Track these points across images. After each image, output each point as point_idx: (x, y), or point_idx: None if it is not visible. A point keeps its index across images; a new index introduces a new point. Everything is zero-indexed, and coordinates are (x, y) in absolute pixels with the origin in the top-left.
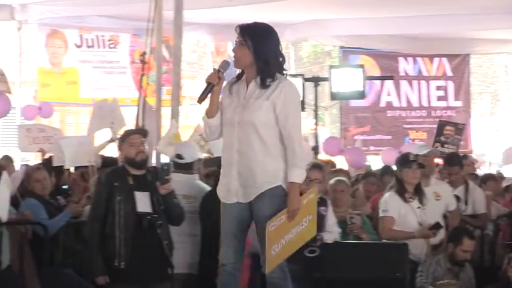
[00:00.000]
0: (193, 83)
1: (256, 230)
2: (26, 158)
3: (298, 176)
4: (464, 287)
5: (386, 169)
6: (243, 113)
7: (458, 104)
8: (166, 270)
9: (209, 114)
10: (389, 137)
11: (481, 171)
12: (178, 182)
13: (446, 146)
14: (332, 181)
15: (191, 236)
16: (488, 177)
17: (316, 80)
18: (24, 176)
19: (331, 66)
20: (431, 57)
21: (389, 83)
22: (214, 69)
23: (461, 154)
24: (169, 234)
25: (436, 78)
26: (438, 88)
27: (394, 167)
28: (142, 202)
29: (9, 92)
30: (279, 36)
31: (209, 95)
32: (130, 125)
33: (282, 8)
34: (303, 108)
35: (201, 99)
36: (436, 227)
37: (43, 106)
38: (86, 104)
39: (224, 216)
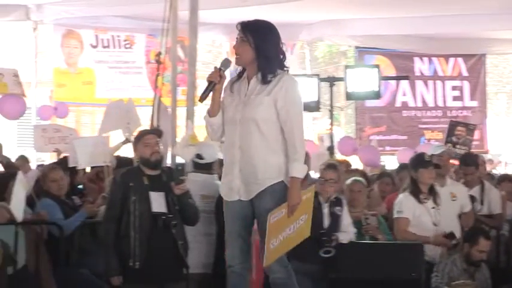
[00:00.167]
0: None
1: (257, 225)
2: (41, 158)
3: (299, 170)
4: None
5: (403, 166)
6: (244, 110)
7: (474, 104)
8: (181, 270)
9: (211, 113)
10: (404, 137)
11: (497, 172)
12: (196, 182)
13: (458, 146)
14: (349, 181)
15: (206, 235)
16: (504, 178)
17: (331, 80)
18: (40, 175)
19: (346, 66)
20: (446, 57)
21: (404, 83)
22: (215, 67)
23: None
24: (185, 235)
25: (451, 78)
26: (454, 88)
27: None
28: (157, 202)
29: (24, 95)
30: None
31: (211, 94)
32: (145, 125)
33: (297, 8)
34: (318, 109)
35: (202, 98)
36: (451, 236)
37: (59, 106)
38: (101, 104)
39: (227, 215)
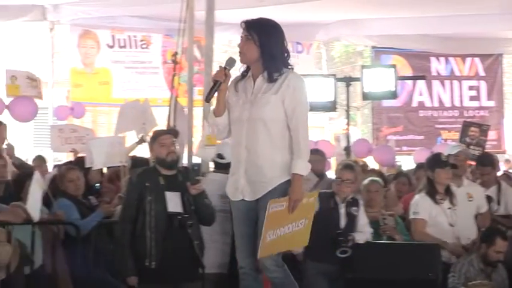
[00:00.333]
0: None
1: (259, 219)
2: (58, 158)
3: (302, 168)
4: None
5: (420, 166)
6: (252, 109)
7: (491, 104)
8: (197, 270)
9: (216, 113)
10: (421, 137)
11: None
12: (215, 182)
13: (471, 147)
14: (366, 181)
15: (223, 235)
16: None
17: (348, 80)
18: (57, 175)
19: (363, 66)
20: (463, 57)
21: (421, 83)
22: (220, 66)
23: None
24: (201, 234)
25: (468, 78)
26: (470, 88)
27: None
28: (173, 202)
29: (40, 98)
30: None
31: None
32: (162, 125)
33: (313, 8)
34: (334, 109)
35: (208, 98)
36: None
37: (75, 106)
38: (118, 104)
39: (234, 216)
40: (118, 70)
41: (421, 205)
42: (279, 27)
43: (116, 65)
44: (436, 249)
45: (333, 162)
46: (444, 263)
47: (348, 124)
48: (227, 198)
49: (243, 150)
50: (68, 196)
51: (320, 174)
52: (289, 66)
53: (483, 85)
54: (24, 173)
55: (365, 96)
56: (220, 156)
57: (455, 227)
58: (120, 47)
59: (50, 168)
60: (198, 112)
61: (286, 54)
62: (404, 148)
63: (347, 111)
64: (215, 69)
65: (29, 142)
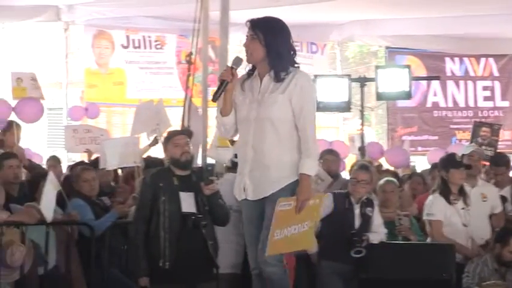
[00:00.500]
0: None
1: (264, 221)
2: (72, 159)
3: (310, 168)
4: None
5: (435, 166)
6: (259, 109)
7: (506, 104)
8: (211, 270)
9: (223, 112)
10: (435, 138)
11: None
12: (231, 182)
13: (483, 147)
14: (381, 181)
15: (237, 235)
16: None
17: (362, 81)
18: (70, 175)
19: (377, 67)
20: (477, 57)
21: (435, 83)
22: (227, 66)
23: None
24: (215, 235)
25: (482, 78)
26: (485, 88)
27: None
28: (187, 202)
29: (42, 98)
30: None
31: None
32: (176, 125)
33: (328, 8)
34: (348, 109)
35: (215, 98)
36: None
37: (90, 107)
38: (132, 104)
39: (243, 217)
40: (132, 70)
41: (435, 206)
42: (284, 25)
43: (130, 65)
44: (450, 250)
45: (348, 162)
46: (458, 263)
47: (362, 124)
48: None
49: (249, 150)
50: (82, 196)
51: (334, 175)
52: (296, 65)
53: (497, 85)
54: (39, 173)
55: (379, 97)
56: (236, 156)
57: (468, 227)
58: (135, 47)
59: (65, 169)
60: (212, 112)
61: (292, 53)
62: (419, 148)
63: (361, 111)
64: None
65: (43, 143)
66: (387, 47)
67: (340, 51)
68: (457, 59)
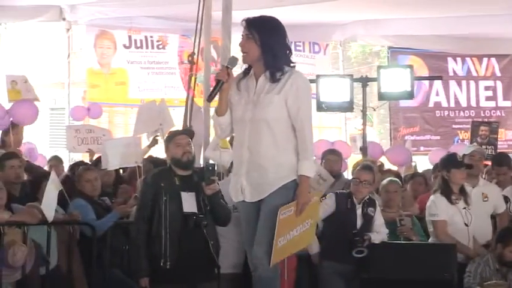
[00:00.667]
0: None
1: (259, 220)
2: (74, 159)
3: (308, 169)
4: None
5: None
6: (255, 110)
7: (508, 104)
8: (212, 270)
9: (219, 112)
10: (438, 137)
11: None
12: None
13: (483, 147)
14: (385, 181)
15: (239, 235)
16: None
17: (364, 81)
18: (74, 175)
19: (379, 67)
20: (480, 57)
21: (438, 83)
22: (222, 65)
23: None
24: (216, 235)
25: (484, 78)
26: (487, 88)
27: None
28: (188, 202)
29: (37, 99)
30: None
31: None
32: (178, 125)
33: (330, 8)
34: (351, 109)
35: (211, 98)
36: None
37: (92, 107)
38: (134, 104)
39: (241, 218)
40: (134, 70)
41: (438, 206)
42: (280, 24)
43: (132, 65)
44: (451, 250)
45: (350, 162)
46: (459, 263)
47: (364, 124)
48: None
49: (245, 151)
50: (84, 196)
51: (336, 175)
52: (292, 64)
53: (499, 85)
54: (41, 173)
55: (381, 97)
56: None
57: (470, 227)
58: (137, 47)
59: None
60: None
61: (288, 52)
62: (422, 148)
63: (363, 111)
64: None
65: (45, 142)
66: (389, 47)
67: (342, 51)
68: (459, 59)
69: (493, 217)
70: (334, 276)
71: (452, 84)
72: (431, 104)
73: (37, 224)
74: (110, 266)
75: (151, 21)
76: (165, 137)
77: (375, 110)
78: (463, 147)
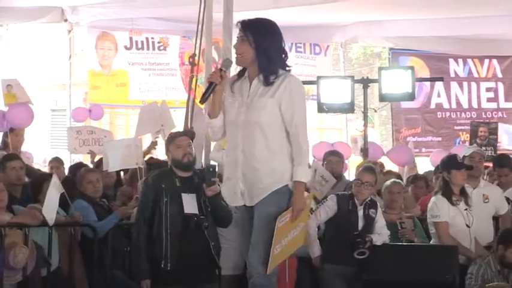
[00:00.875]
0: None
1: (253, 229)
2: (75, 160)
3: (304, 175)
4: None
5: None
6: (248, 113)
7: (509, 105)
8: (213, 272)
9: (211, 114)
10: (439, 139)
11: None
12: None
13: (483, 148)
14: (388, 182)
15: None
16: None
17: (365, 82)
18: (77, 177)
19: (380, 68)
20: (481, 58)
21: (439, 85)
22: (216, 67)
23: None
24: (217, 236)
25: (486, 79)
26: (488, 90)
27: None
28: (189, 204)
29: (30, 102)
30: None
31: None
32: (180, 127)
33: (331, 9)
34: (352, 110)
35: (203, 100)
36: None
37: (93, 108)
38: (135, 106)
39: (239, 223)
40: (135, 72)
41: (440, 207)
42: (276, 27)
43: (133, 66)
44: (453, 251)
45: (350, 163)
46: (461, 264)
47: (365, 126)
48: None
49: (239, 154)
50: (85, 198)
51: (338, 176)
52: (287, 68)
53: (501, 86)
54: (42, 175)
55: (382, 98)
56: None
57: (471, 228)
58: (138, 48)
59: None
60: None
61: (284, 56)
62: (423, 150)
63: (364, 112)
64: (233, 70)
65: (46, 144)
66: (391, 48)
67: (343, 53)
68: (460, 60)
69: (495, 218)
70: (335, 277)
71: (454, 85)
72: (432, 106)
73: (38, 226)
74: (111, 267)
75: (153, 23)
76: (158, 139)
77: (376, 111)
78: (464, 148)
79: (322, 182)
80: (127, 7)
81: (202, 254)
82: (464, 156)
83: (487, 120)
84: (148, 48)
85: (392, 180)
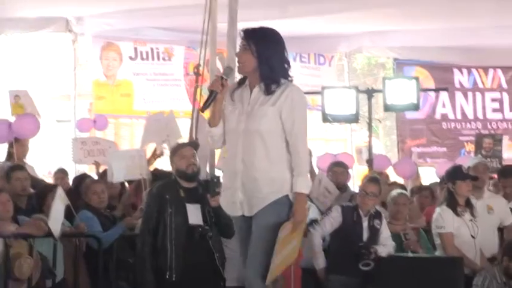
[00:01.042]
0: None
1: (251, 241)
2: (80, 171)
3: (304, 186)
4: None
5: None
6: (248, 121)
7: None
8: (218, 282)
9: (211, 123)
10: (444, 149)
11: None
12: None
13: (488, 159)
14: (394, 193)
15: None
16: None
17: (370, 92)
18: (82, 187)
19: (385, 78)
20: (486, 68)
21: (444, 95)
22: (216, 76)
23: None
24: (222, 247)
25: (491, 90)
26: (493, 100)
27: None
28: (194, 214)
29: (38, 114)
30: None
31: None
32: (185, 137)
33: (335, 20)
34: (356, 120)
35: (204, 108)
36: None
37: (98, 119)
38: (139, 116)
39: (238, 234)
40: (140, 82)
41: (445, 218)
42: (279, 36)
43: (138, 77)
44: (458, 263)
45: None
46: (466, 275)
47: (370, 136)
48: None
49: (239, 163)
50: (90, 208)
51: (343, 186)
52: (289, 78)
53: (506, 97)
54: (47, 186)
55: (387, 108)
56: None
57: (476, 239)
58: (142, 59)
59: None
60: None
61: (286, 66)
62: (428, 160)
63: (369, 123)
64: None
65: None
66: (395, 59)
67: (348, 63)
68: (465, 71)
69: (500, 230)
70: None
71: (459, 95)
72: (437, 116)
73: (43, 237)
74: (116, 278)
75: (157, 33)
76: (164, 149)
77: (380, 121)
78: (470, 159)
79: (325, 194)
80: (132, 17)
81: (206, 264)
82: (468, 167)
83: (492, 131)
84: (153, 59)
85: (399, 191)
